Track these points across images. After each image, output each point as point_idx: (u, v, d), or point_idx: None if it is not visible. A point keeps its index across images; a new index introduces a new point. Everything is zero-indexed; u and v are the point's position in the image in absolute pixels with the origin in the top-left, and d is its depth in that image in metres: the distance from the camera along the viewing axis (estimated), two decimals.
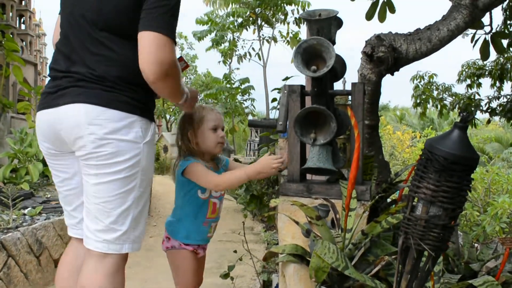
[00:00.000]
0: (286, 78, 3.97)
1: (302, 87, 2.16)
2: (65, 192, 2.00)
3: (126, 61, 1.78)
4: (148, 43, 1.69)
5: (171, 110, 22.44)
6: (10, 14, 9.29)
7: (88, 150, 1.74)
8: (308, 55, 1.86)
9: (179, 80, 1.85)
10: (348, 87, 2.20)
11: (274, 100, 4.70)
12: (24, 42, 11.03)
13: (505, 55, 5.52)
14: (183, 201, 2.28)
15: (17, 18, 11.03)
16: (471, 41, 3.73)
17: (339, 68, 2.20)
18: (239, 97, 12.61)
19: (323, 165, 1.97)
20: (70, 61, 1.82)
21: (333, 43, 2.04)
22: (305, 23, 2.24)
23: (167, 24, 1.72)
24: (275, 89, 4.39)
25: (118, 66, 1.77)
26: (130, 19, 1.75)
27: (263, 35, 12.49)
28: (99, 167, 1.75)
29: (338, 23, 2.09)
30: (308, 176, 2.33)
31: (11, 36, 5.99)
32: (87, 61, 1.77)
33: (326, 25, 1.91)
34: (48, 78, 1.90)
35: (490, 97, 6.40)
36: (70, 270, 1.99)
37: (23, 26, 11.68)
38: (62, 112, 1.77)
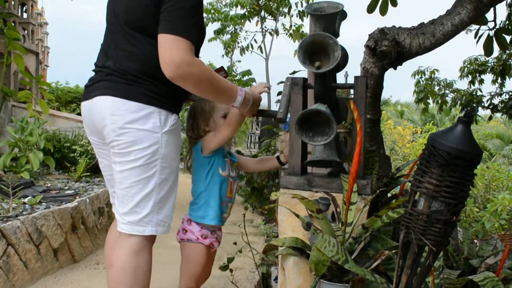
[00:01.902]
0: (294, 72, 3.93)
1: (305, 79, 2.15)
2: (107, 176, 2.23)
3: (147, 56, 1.92)
4: (161, 45, 1.82)
5: None
6: (12, 2, 9.26)
7: (111, 138, 1.92)
8: (311, 52, 1.87)
9: (207, 80, 1.91)
10: (350, 80, 2.18)
11: (279, 93, 4.65)
12: (26, 31, 11.01)
13: (508, 51, 5.50)
14: (206, 183, 2.33)
15: (19, 6, 11.01)
16: (475, 37, 3.71)
17: (341, 60, 2.17)
18: None
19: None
20: (106, 57, 2.01)
21: (337, 36, 2.03)
22: (308, 16, 2.21)
23: (181, 26, 1.83)
24: (280, 82, 4.34)
25: (140, 61, 1.92)
26: (151, 18, 1.88)
27: (266, 27, 12.45)
28: (121, 155, 1.92)
29: (342, 15, 2.08)
30: (309, 169, 2.32)
31: (12, 24, 5.96)
32: (117, 57, 1.96)
33: (331, 20, 1.91)
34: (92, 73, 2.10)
35: (492, 94, 6.38)
36: (115, 239, 2.18)
37: (25, 15, 11.66)
38: (94, 103, 1.97)
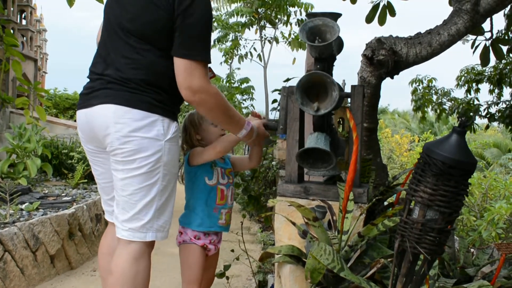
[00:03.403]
0: (287, 80, 3.95)
1: None
2: (102, 184, 2.22)
3: (151, 65, 1.92)
4: (179, 70, 1.87)
5: None
6: (11, 9, 9.29)
7: (114, 146, 1.91)
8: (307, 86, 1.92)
9: (220, 109, 2.00)
10: (347, 89, 2.20)
11: (274, 101, 4.68)
12: (24, 38, 11.03)
13: (504, 61, 5.52)
14: (193, 191, 2.41)
15: (18, 13, 11.03)
16: (472, 47, 3.73)
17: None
18: (238, 97, 12.57)
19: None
20: (105, 64, 1.99)
21: (334, 59, 2.08)
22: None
23: (197, 48, 1.88)
24: (275, 90, 4.37)
25: (143, 70, 1.92)
26: (161, 31, 1.90)
27: (265, 35, 12.46)
28: (124, 163, 1.91)
29: (339, 45, 2.12)
30: (306, 178, 2.33)
31: (11, 31, 5.98)
32: (118, 65, 1.94)
33: (328, 49, 1.95)
34: (87, 80, 2.07)
35: (489, 103, 6.40)
36: (109, 246, 2.22)
37: (24, 22, 11.69)
38: (95, 112, 1.95)
